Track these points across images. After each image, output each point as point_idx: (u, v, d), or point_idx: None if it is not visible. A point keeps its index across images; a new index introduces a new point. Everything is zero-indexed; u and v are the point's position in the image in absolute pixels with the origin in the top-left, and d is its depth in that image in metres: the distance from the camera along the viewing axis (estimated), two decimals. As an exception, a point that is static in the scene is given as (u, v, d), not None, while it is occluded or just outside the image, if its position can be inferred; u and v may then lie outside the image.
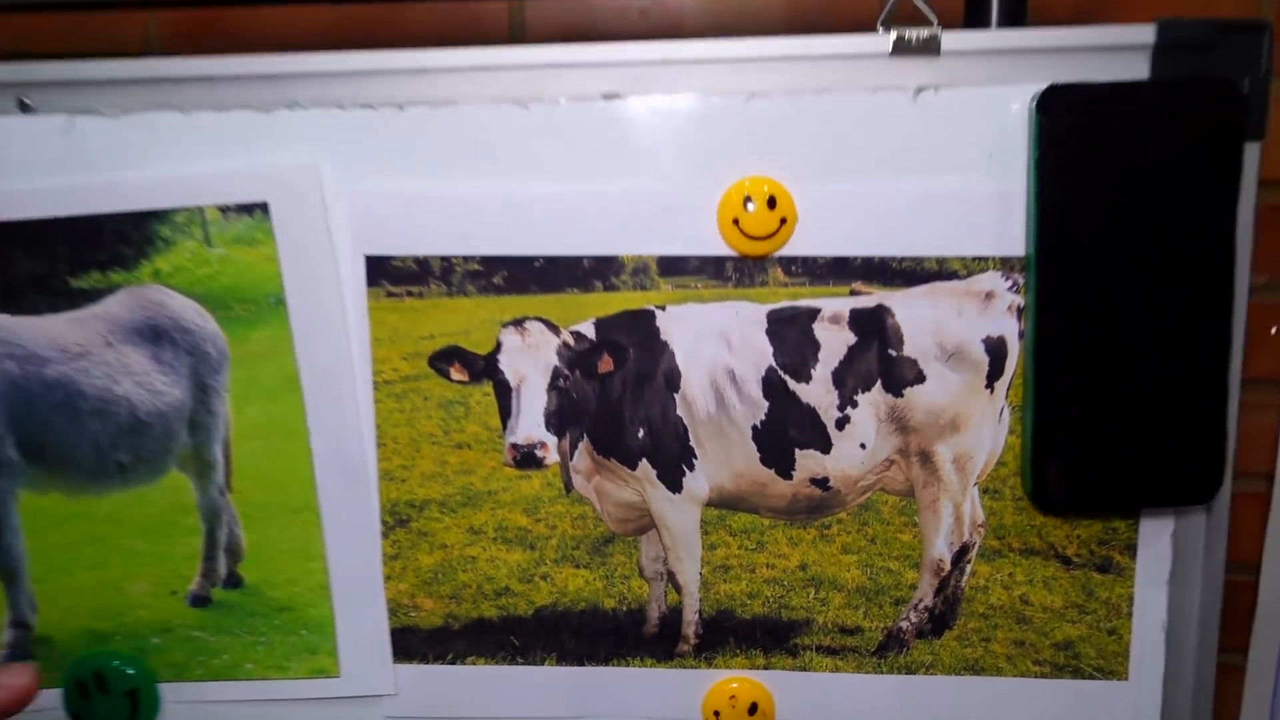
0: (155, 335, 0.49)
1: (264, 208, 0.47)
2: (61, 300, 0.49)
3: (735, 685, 0.51)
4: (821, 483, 0.49)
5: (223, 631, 0.52)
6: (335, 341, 0.49)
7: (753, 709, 0.51)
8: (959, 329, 0.48)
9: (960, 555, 0.50)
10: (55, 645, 0.52)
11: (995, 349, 0.48)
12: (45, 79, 0.47)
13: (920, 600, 0.50)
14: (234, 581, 0.51)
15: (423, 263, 0.48)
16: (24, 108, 0.48)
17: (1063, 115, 0.43)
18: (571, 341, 0.49)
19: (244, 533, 0.51)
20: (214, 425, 0.50)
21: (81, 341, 0.50)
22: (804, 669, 0.51)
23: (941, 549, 0.50)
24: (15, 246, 0.48)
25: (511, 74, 0.47)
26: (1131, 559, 0.49)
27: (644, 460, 0.49)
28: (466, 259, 0.48)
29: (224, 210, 0.48)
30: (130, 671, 0.52)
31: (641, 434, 0.49)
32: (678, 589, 0.51)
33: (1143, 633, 0.50)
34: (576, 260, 0.48)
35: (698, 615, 0.51)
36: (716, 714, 0.51)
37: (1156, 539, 0.49)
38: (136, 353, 0.50)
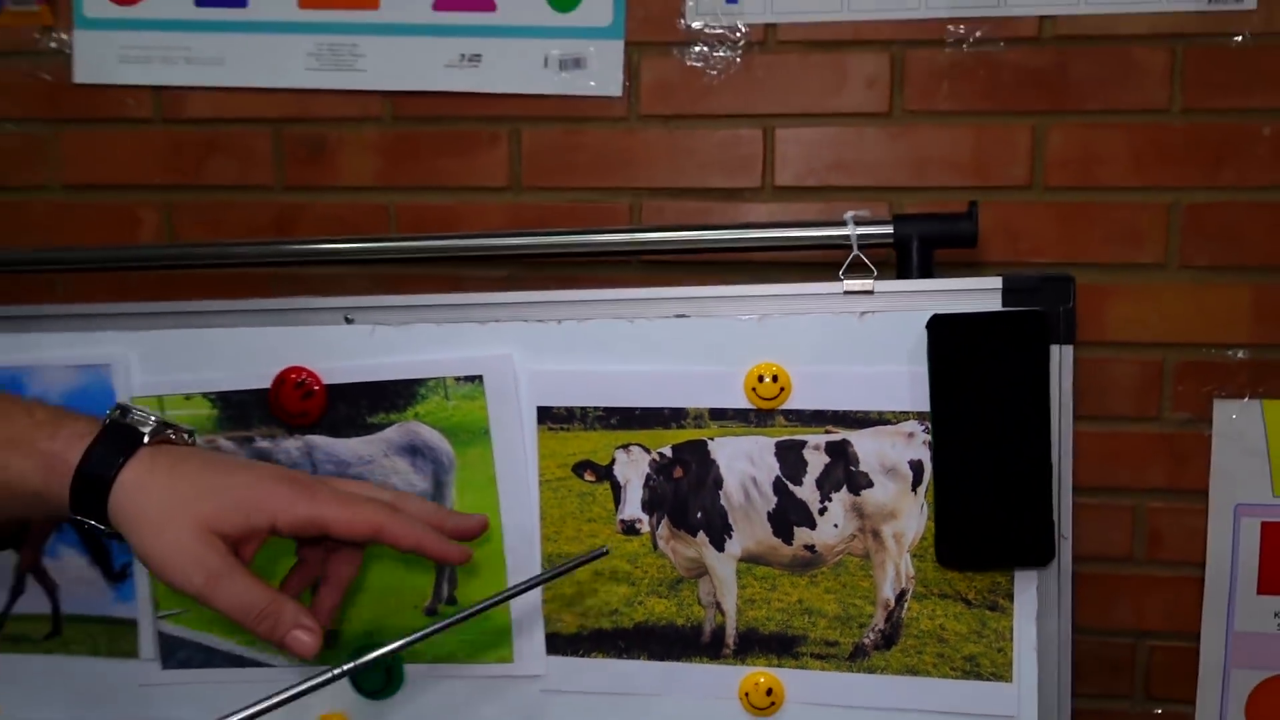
0: (413, 450, 0.84)
1: (480, 378, 0.81)
2: (361, 430, 0.84)
3: (759, 677, 0.81)
4: (810, 548, 0.79)
5: (444, 632, 0.84)
6: (517, 456, 0.82)
7: (769, 692, 0.81)
8: (893, 455, 0.78)
9: (900, 597, 0.79)
10: (342, 636, 0.86)
11: (916, 467, 0.78)
12: (362, 305, 0.83)
13: (875, 625, 0.79)
14: (451, 600, 0.84)
15: (570, 410, 0.81)
16: (347, 320, 0.83)
17: (943, 331, 0.74)
18: (658, 459, 0.81)
19: (459, 571, 0.84)
20: (444, 504, 0.84)
21: (370, 454, 0.84)
22: (803, 668, 0.80)
23: (888, 593, 0.79)
24: (339, 399, 0.84)
25: (624, 305, 0.80)
26: (1010, 602, 0.77)
27: (701, 531, 0.81)
28: (596, 408, 0.81)
29: (457, 379, 0.82)
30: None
31: (699, 515, 0.80)
32: (722, 614, 0.81)
33: (1020, 651, 0.77)
34: (660, 410, 0.80)
35: (735, 631, 0.81)
36: (746, 694, 0.81)
37: (1026, 589, 0.77)
38: (402, 461, 0.84)
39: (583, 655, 0.83)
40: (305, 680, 0.60)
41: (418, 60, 1.10)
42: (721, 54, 1.05)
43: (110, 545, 0.88)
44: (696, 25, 1.04)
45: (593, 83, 1.07)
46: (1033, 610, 0.77)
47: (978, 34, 1.01)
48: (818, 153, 1.04)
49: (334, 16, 1.10)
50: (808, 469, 0.79)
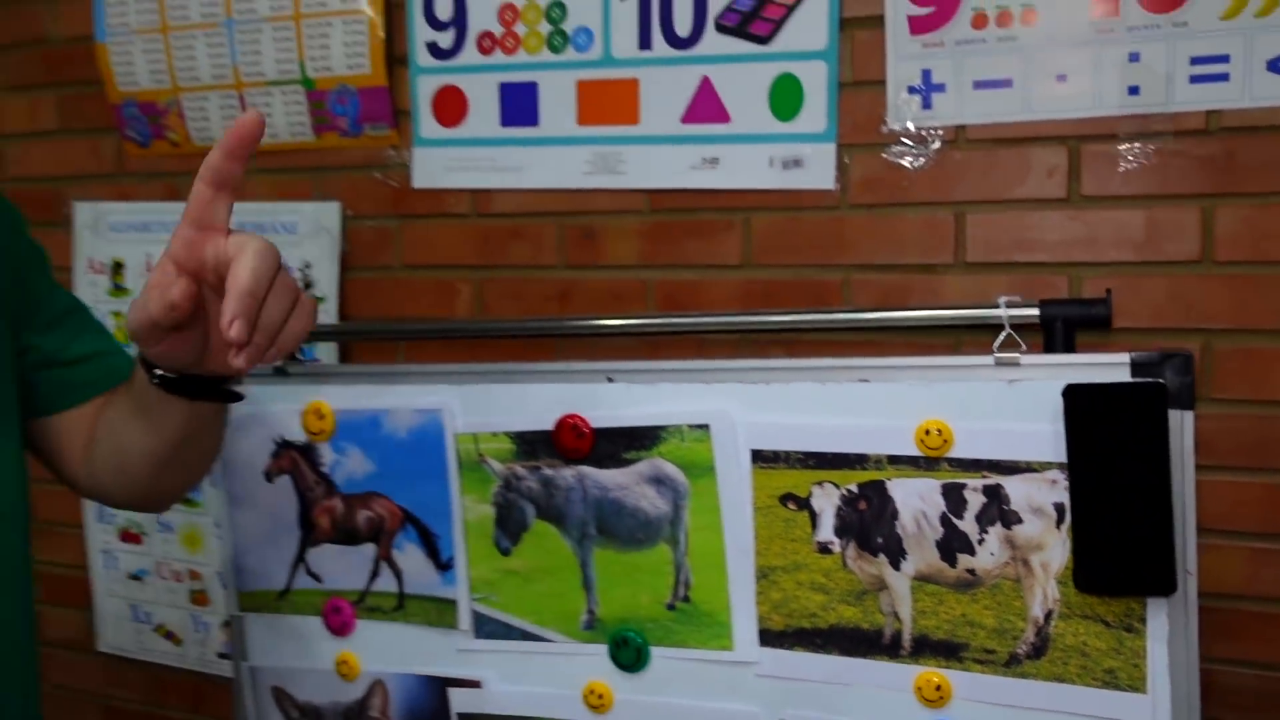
0: (658, 480, 1.09)
1: (708, 426, 1.05)
2: (619, 463, 1.10)
3: (930, 675, 0.99)
4: (971, 572, 0.97)
5: (679, 622, 1.08)
6: (736, 488, 1.05)
7: (938, 688, 0.99)
8: (1039, 497, 0.95)
9: (1047, 616, 0.95)
10: (604, 621, 1.12)
11: (1059, 509, 0.94)
12: (620, 368, 1.09)
13: (1027, 638, 0.96)
14: (686, 598, 1.08)
15: (777, 453, 1.03)
16: (609, 380, 1.10)
17: (1077, 398, 0.90)
18: (846, 493, 1.01)
19: (692, 574, 1.08)
20: (680, 524, 1.08)
21: (626, 482, 1.10)
22: (966, 670, 0.98)
23: (1037, 611, 0.96)
24: (603, 439, 1.10)
25: (819, 372, 1.01)
26: (1144, 625, 0.92)
27: (881, 553, 1.00)
28: (798, 451, 1.03)
29: (690, 426, 1.06)
30: (638, 638, 1.10)
31: (880, 540, 1.00)
32: (899, 621, 1.00)
33: (1154, 666, 0.92)
34: (848, 454, 1.01)
35: (910, 636, 1.00)
36: (919, 689, 1.00)
37: (1157, 615, 0.92)
38: (649, 489, 1.09)
39: (788, 648, 1.05)
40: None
41: (669, 163, 1.36)
42: (918, 151, 1.24)
43: (438, 541, 1.18)
44: (897, 128, 1.24)
45: (810, 178, 1.29)
46: (1164, 634, 0.91)
47: (1148, 129, 1.15)
48: (1004, 233, 1.21)
49: (604, 131, 1.38)
50: (968, 507, 0.97)
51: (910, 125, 1.24)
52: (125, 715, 1.80)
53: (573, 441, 1.10)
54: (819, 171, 1.29)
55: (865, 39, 1.25)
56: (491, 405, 1.15)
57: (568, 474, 1.12)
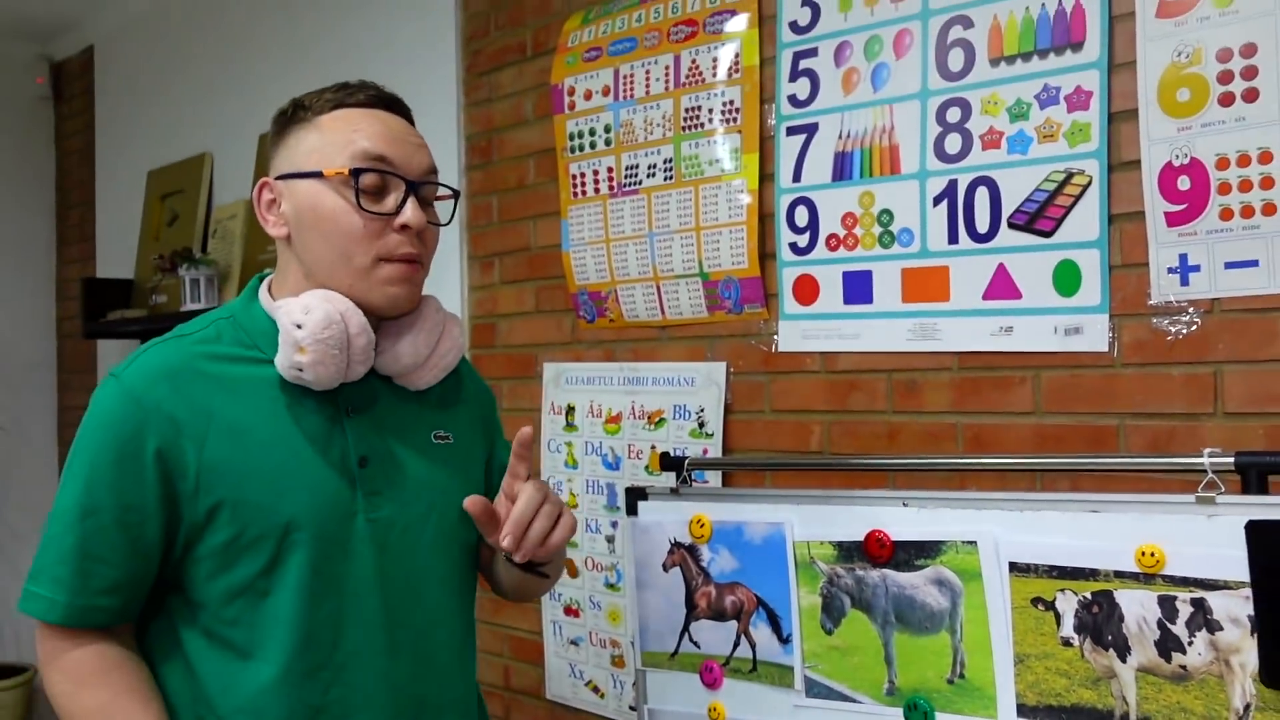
0: (940, 583, 1.42)
1: (975, 543, 1.38)
2: (911, 569, 1.45)
3: (1155, 752, 1.23)
4: (1183, 668, 1.21)
5: (957, 694, 1.40)
6: (998, 591, 1.36)
7: (1160, 762, 1.23)
8: (1236, 609, 1.17)
9: (1246, 709, 1.17)
10: (901, 690, 1.46)
11: (1253, 620, 1.16)
12: (912, 496, 1.45)
13: (1232, 726, 1.18)
14: (962, 675, 1.40)
15: (1029, 565, 1.34)
16: (904, 505, 1.46)
17: (1258, 530, 1.14)
18: (1084, 599, 1.29)
19: (966, 657, 1.39)
20: (957, 617, 1.41)
21: (916, 583, 1.45)
22: (1183, 749, 1.21)
23: (1238, 703, 1.18)
24: (900, 549, 1.46)
25: (1060, 504, 1.31)
26: (1330, 722, 1.11)
27: (1111, 649, 1.27)
28: (1045, 564, 1.32)
29: (963, 542, 1.39)
30: (926, 704, 1.42)
31: (1109, 638, 1.27)
32: (1126, 704, 1.25)
33: (1340, 758, 1.11)
34: (1084, 568, 1.29)
35: (1136, 715, 1.25)
36: (1144, 762, 1.24)
37: (1342, 714, 1.11)
38: (933, 589, 1.43)
39: (1040, 720, 1.33)
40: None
41: (973, 331, 1.71)
42: (1180, 319, 1.50)
43: (781, 621, 1.59)
44: (1159, 302, 1.51)
45: (1087, 343, 1.58)
46: (1347, 730, 1.10)
47: (1379, 300, 1.33)
48: (1257, 388, 1.43)
49: (923, 306, 1.77)
50: (1179, 614, 1.22)
51: (1171, 299, 1.50)
52: (567, 749, 2.35)
53: (877, 550, 1.48)
54: (1095, 337, 1.58)
55: (1131, 230, 1.54)
56: (821, 520, 1.55)
57: (874, 575, 1.49)
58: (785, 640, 1.59)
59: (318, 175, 1.13)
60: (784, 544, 1.59)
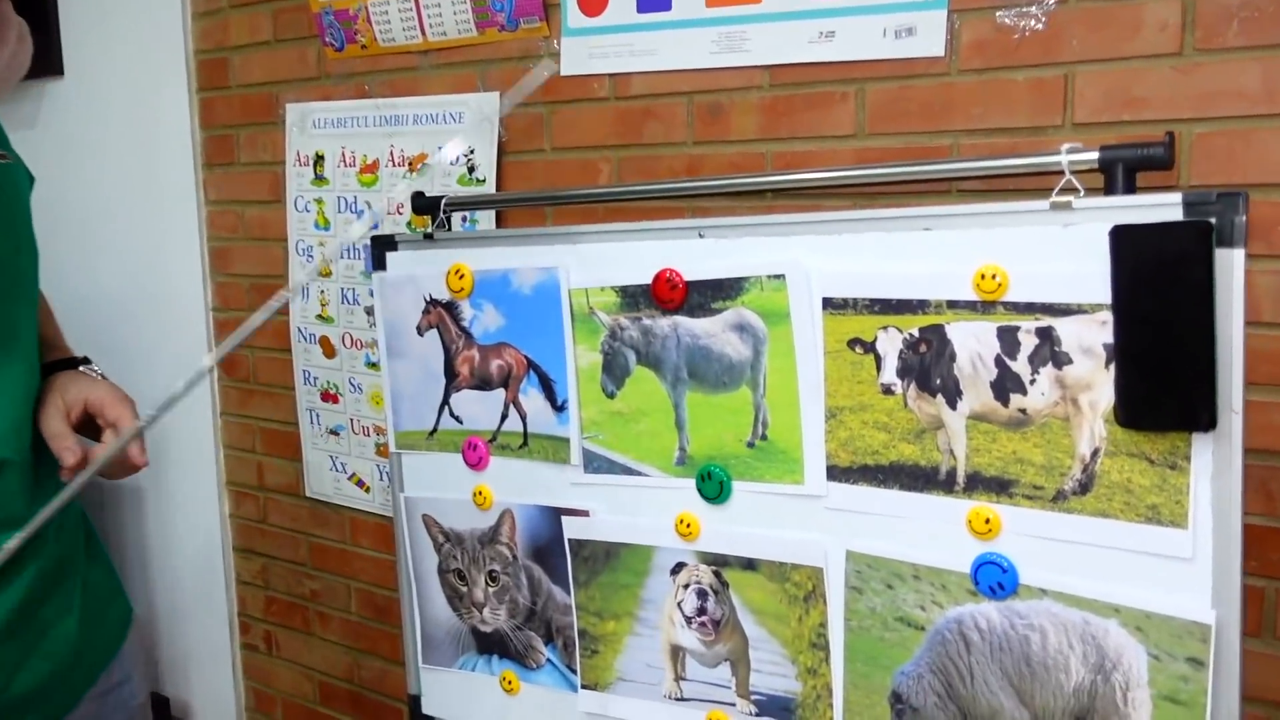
0: (741, 328, 1.17)
1: (784, 276, 1.12)
2: (708, 312, 1.19)
3: (981, 510, 1.04)
4: (1023, 411, 1.01)
5: (758, 459, 1.17)
6: (808, 333, 1.12)
7: (987, 521, 1.03)
8: (1089, 338, 0.96)
9: (1094, 454, 0.97)
10: (694, 458, 1.22)
11: (1108, 349, 0.95)
12: (709, 225, 1.17)
13: (1073, 475, 0.99)
14: (764, 437, 1.17)
15: (845, 299, 1.09)
16: (700, 236, 1.18)
17: (1123, 238, 0.91)
18: (908, 337, 1.06)
19: (770, 415, 1.16)
20: (760, 369, 1.16)
21: (713, 330, 1.19)
22: (1015, 505, 1.02)
23: (1084, 449, 0.98)
24: (694, 291, 1.19)
25: (884, 222, 1.06)
26: (1188, 463, 0.93)
27: (939, 394, 1.05)
28: (864, 298, 1.08)
29: (769, 277, 1.14)
30: (722, 473, 1.20)
31: (938, 381, 1.05)
32: (954, 458, 1.05)
33: (1195, 503, 0.93)
34: (910, 300, 1.05)
35: (964, 472, 1.05)
36: (969, 522, 1.04)
37: (1202, 453, 0.92)
38: (733, 335, 1.18)
39: (852, 483, 1.12)
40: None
41: (788, 38, 1.41)
42: (1028, 11, 1.24)
43: (555, 385, 1.32)
44: (1006, -9, 1.24)
45: (921, 46, 1.31)
46: (1208, 471, 0.92)
47: (1264, -26, 1.10)
48: (1114, 92, 1.20)
49: (729, 11, 1.45)
50: (1021, 348, 1.00)
51: (1020, -13, 1.24)
52: (327, 552, 2.08)
53: (667, 293, 1.20)
54: (930, 38, 1.31)
55: (977, -98, 1.25)
56: (601, 263, 1.26)
57: (664, 323, 1.22)
58: (560, 408, 1.32)
59: None
60: (558, 292, 1.29)
